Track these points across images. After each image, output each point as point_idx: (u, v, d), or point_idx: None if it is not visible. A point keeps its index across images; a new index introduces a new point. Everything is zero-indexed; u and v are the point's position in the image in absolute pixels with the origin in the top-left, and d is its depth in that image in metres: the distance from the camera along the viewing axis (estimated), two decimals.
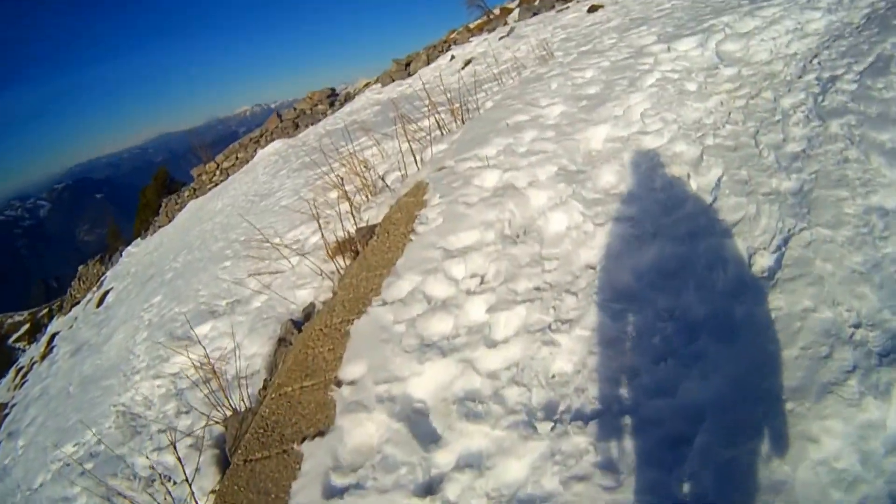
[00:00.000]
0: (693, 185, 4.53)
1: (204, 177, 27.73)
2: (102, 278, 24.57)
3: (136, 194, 36.06)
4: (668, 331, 3.34)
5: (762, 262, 3.55)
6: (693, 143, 5.02)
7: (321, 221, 6.99)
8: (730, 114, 5.38)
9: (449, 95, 9.50)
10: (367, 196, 7.34)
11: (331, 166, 8.57)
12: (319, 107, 27.15)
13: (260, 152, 22.86)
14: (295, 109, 27.84)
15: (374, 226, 6.01)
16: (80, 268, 34.44)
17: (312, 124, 24.42)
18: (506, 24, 22.44)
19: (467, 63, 17.42)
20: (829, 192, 3.85)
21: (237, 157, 26.92)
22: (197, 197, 25.74)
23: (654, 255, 3.93)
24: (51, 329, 24.85)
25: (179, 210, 25.61)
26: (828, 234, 3.50)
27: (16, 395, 16.68)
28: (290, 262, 7.16)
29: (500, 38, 18.86)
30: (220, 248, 10.93)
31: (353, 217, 6.90)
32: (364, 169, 7.86)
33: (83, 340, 14.44)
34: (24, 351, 31.61)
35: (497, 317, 3.86)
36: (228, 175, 25.29)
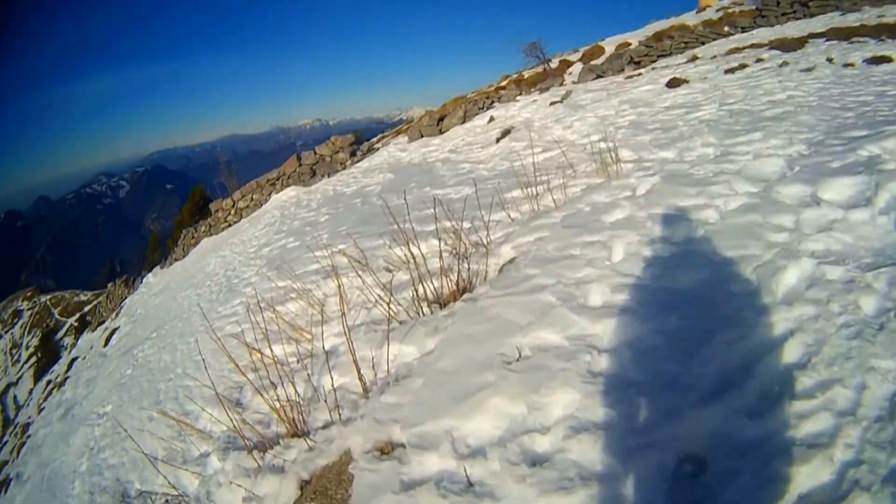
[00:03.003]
0: None
1: (220, 213, 27.89)
2: (122, 303, 26.73)
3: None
4: None
5: None
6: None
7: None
8: None
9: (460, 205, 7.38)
10: (288, 425, 4.54)
11: (278, 316, 6.46)
12: (340, 155, 26.10)
13: (273, 198, 23.88)
14: (315, 154, 27.10)
15: None
16: (109, 285, 36.17)
17: (329, 174, 24.19)
18: (562, 82, 20.43)
19: (505, 133, 15.06)
20: None
21: (252, 198, 26.96)
22: (211, 234, 26.51)
23: None
24: (77, 349, 28.20)
25: (195, 245, 26.72)
26: None
27: (36, 420, 19.81)
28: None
29: (552, 102, 16.72)
30: (161, 371, 9.67)
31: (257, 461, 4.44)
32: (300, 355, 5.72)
33: (75, 400, 15.25)
34: (64, 349, 34.96)
35: None
36: (241, 216, 26.18)
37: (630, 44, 26.92)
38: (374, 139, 30.37)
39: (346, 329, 4.57)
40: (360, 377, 4.36)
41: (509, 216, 7.02)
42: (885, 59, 11.29)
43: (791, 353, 3.22)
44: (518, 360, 3.69)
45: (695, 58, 17.84)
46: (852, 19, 18.02)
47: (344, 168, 24.09)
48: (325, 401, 4.40)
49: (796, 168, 5.53)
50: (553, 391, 3.32)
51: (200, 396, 6.52)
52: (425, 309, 5.21)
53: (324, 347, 5.09)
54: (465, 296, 5.03)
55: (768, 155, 6.10)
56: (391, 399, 3.88)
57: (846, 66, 11.46)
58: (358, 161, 24.06)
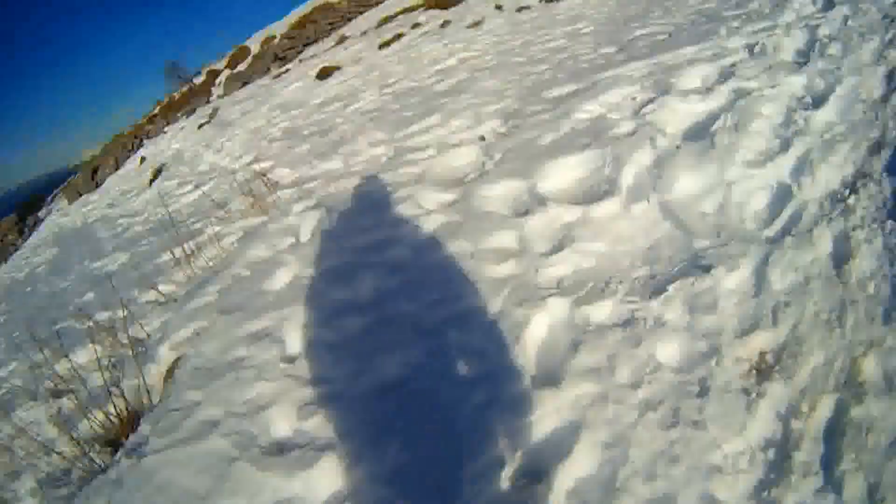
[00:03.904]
0: None
1: None
2: None
3: None
4: None
5: None
6: None
7: None
8: None
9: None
10: None
11: None
12: (9, 237, 24.02)
13: None
14: None
15: None
16: None
17: (3, 262, 21.41)
18: (209, 98, 19.63)
19: (157, 173, 13.85)
20: None
21: None
22: None
23: None
24: None
25: None
26: None
27: None
28: None
29: (201, 124, 15.98)
30: None
31: None
32: None
33: None
34: None
35: None
36: None
37: (275, 37, 25.98)
38: (49, 198, 28.81)
39: None
40: None
41: (161, 293, 5.33)
42: None
43: (582, 467, 2.22)
44: None
45: (343, 38, 17.61)
46: None
47: (16, 249, 21.77)
48: None
49: (497, 155, 4.51)
50: None
51: None
52: (98, 459, 3.81)
53: None
54: (132, 439, 3.66)
55: (455, 144, 5.04)
56: None
57: (521, 9, 11.25)
58: (27, 238, 22.13)
